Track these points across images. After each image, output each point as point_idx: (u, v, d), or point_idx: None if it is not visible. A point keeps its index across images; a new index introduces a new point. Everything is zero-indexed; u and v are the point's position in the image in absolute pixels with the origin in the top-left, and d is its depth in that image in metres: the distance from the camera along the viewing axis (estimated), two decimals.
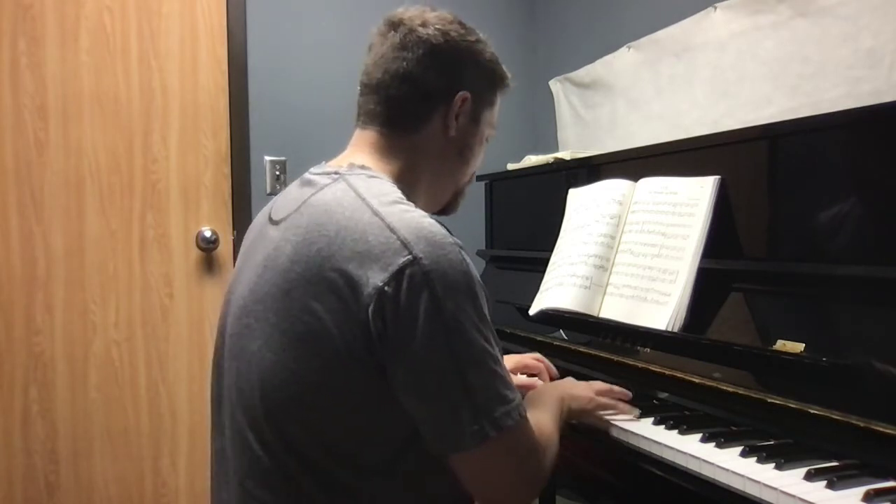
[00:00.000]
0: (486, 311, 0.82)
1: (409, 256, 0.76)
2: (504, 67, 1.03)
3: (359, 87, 0.98)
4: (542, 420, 0.93)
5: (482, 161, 1.06)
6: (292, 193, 0.94)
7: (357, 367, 0.79)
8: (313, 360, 0.79)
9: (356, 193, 0.84)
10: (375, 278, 0.76)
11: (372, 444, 0.84)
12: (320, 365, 0.79)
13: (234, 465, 0.88)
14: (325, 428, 0.82)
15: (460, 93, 0.94)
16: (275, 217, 0.94)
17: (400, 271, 0.76)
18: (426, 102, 0.93)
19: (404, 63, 0.92)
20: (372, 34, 0.97)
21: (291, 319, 0.80)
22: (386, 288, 0.75)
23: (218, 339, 0.98)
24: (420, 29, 0.93)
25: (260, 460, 0.83)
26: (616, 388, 1.14)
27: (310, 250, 0.81)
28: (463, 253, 0.81)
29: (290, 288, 0.81)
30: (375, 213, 0.81)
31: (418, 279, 0.75)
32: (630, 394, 1.14)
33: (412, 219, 0.81)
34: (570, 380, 1.16)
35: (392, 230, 0.78)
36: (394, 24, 0.94)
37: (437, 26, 0.94)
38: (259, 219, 1.00)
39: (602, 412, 1.09)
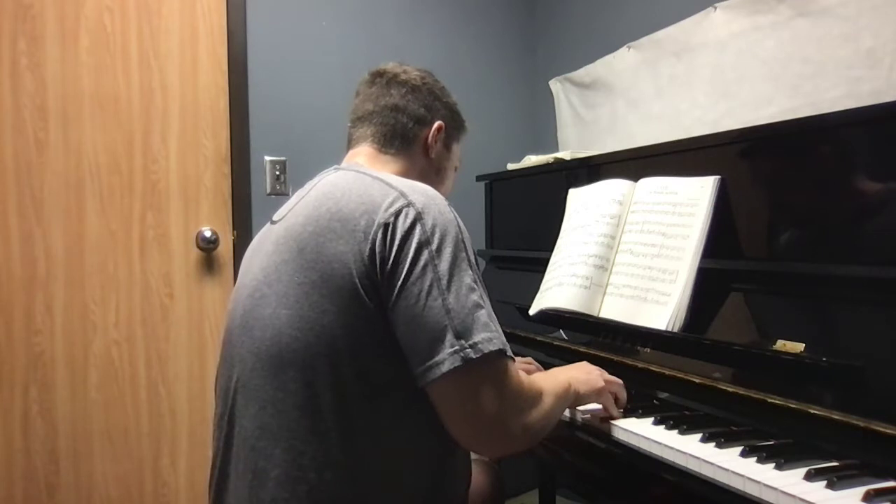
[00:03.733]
0: (473, 259, 0.91)
1: (406, 201, 0.89)
2: (461, 115, 1.23)
3: (349, 123, 1.15)
4: (539, 383, 0.96)
5: (451, 188, 1.22)
6: (292, 198, 1.07)
7: (364, 308, 0.87)
8: (327, 303, 0.87)
9: (357, 171, 1.00)
10: (379, 218, 0.88)
11: (384, 391, 0.89)
12: (334, 308, 0.87)
13: (245, 434, 0.92)
14: (341, 374, 0.87)
15: (437, 122, 1.14)
16: (276, 218, 1.05)
17: (399, 210, 0.88)
18: (411, 127, 1.11)
19: (391, 98, 1.12)
20: (359, 83, 1.17)
21: (306, 271, 0.89)
22: (388, 222, 0.88)
23: (226, 334, 1.03)
24: (402, 75, 1.14)
25: (272, 419, 0.89)
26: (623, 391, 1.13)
27: (319, 212, 0.93)
28: (454, 211, 0.93)
29: (304, 246, 0.91)
30: (376, 178, 0.95)
31: (413, 216, 0.88)
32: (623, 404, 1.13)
33: (407, 181, 0.96)
34: (584, 364, 1.16)
35: (391, 186, 0.92)
36: (379, 74, 1.15)
37: (415, 73, 1.16)
38: (260, 231, 1.11)
39: (596, 404, 1.10)
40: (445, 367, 0.83)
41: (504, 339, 0.88)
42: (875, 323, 0.98)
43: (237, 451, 0.94)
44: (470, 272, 0.88)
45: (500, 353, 0.86)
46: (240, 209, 2.14)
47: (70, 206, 1.93)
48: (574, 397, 1.04)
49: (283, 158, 2.22)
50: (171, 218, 2.05)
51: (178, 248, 2.07)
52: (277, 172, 2.20)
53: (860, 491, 0.78)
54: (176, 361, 2.07)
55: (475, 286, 0.88)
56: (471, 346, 0.83)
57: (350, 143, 1.14)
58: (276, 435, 0.89)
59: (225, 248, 2.13)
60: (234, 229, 2.14)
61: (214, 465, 1.01)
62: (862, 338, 0.98)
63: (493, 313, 0.89)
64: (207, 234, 2.08)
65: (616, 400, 1.11)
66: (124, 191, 1.99)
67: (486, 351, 0.84)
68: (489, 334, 0.85)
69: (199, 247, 2.08)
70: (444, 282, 0.85)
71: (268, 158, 2.20)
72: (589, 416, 1.11)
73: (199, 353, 2.10)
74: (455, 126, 1.19)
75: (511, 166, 2.17)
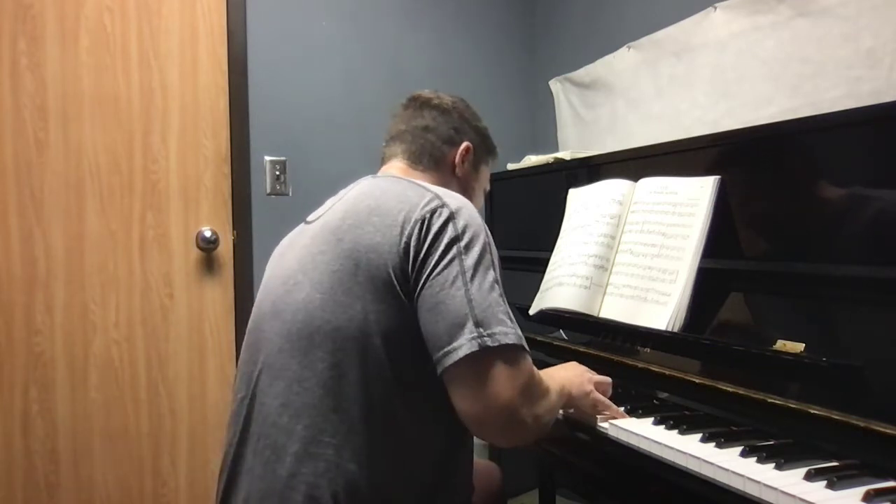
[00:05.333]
0: (497, 263, 0.95)
1: (441, 202, 0.96)
2: (492, 140, 1.28)
3: (384, 143, 1.22)
4: (546, 379, 0.98)
5: (480, 207, 1.22)
6: (327, 202, 1.13)
7: (396, 298, 0.91)
8: (361, 290, 0.92)
9: (394, 177, 1.08)
10: (416, 215, 0.94)
11: (406, 381, 0.92)
12: (367, 295, 0.92)
13: (265, 412, 0.95)
14: (368, 358, 0.91)
15: (465, 143, 1.20)
16: (311, 219, 1.10)
17: (434, 209, 0.95)
18: (440, 146, 1.18)
19: (423, 120, 1.19)
20: (395, 107, 1.24)
21: (342, 259, 0.95)
22: (423, 217, 0.94)
23: (252, 323, 1.07)
24: (434, 100, 1.21)
25: (296, 396, 0.93)
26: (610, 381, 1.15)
27: (358, 207, 0.99)
28: (483, 220, 0.98)
29: (341, 237, 0.97)
30: (412, 182, 1.03)
31: (447, 215, 0.94)
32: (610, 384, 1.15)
33: (443, 188, 1.02)
34: (573, 364, 1.18)
35: (427, 189, 0.99)
36: (414, 99, 1.22)
37: (447, 99, 1.22)
38: (291, 232, 1.15)
39: (595, 408, 1.11)
40: (463, 352, 0.86)
41: (521, 334, 0.91)
42: (875, 323, 0.98)
43: (256, 429, 0.97)
44: (493, 272, 0.93)
45: (517, 346, 0.90)
46: (240, 209, 2.14)
47: (70, 206, 1.93)
48: (567, 398, 1.06)
49: (283, 158, 2.21)
50: (171, 218, 2.05)
51: (178, 248, 2.07)
52: (277, 172, 2.20)
53: (860, 491, 0.78)
54: (176, 361, 2.07)
55: (496, 286, 0.93)
56: (489, 335, 0.87)
57: (382, 161, 1.20)
58: (299, 411, 0.92)
59: (225, 248, 2.13)
60: (234, 229, 2.14)
61: (229, 448, 1.02)
62: (862, 338, 0.98)
63: (511, 313, 0.93)
64: (207, 234, 2.08)
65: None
66: (124, 191, 1.99)
67: (503, 342, 0.88)
68: (506, 328, 0.89)
69: (199, 247, 2.08)
70: (469, 274, 0.90)
71: (268, 158, 2.20)
72: (589, 415, 1.11)
73: (199, 353, 2.10)
74: (484, 149, 1.25)
75: (511, 166, 2.16)
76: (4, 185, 1.85)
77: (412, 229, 0.93)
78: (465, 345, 0.86)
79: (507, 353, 0.89)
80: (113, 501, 1.98)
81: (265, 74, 2.18)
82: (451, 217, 0.94)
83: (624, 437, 1.05)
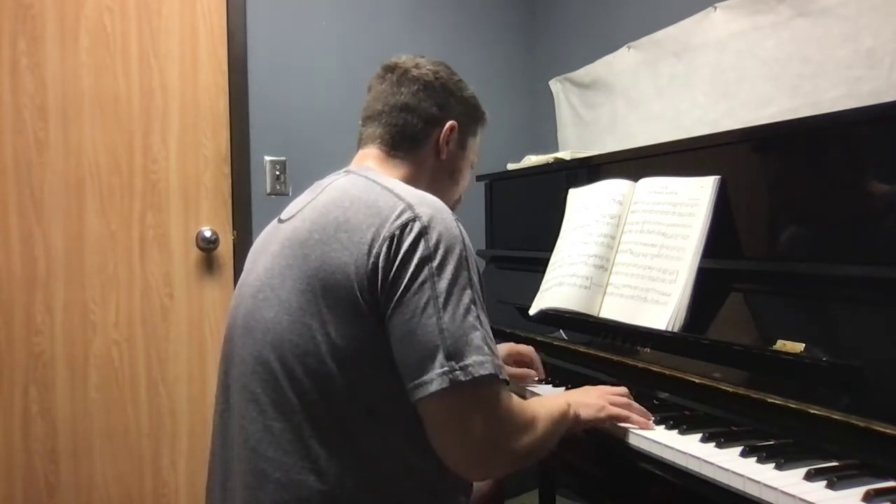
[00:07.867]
0: (476, 278, 0.89)
1: (412, 214, 0.88)
2: (481, 105, 1.17)
3: (360, 121, 1.11)
4: (534, 408, 0.95)
5: (470, 186, 1.19)
6: (301, 197, 1.06)
7: (364, 320, 0.86)
8: (328, 313, 0.87)
9: (367, 178, 0.97)
10: (385, 231, 0.87)
11: (382, 402, 0.88)
12: (334, 318, 0.87)
13: (245, 435, 0.92)
14: (340, 382, 0.87)
15: (449, 121, 1.08)
16: (284, 217, 1.04)
17: (404, 224, 0.87)
18: (422, 128, 1.07)
19: (401, 97, 1.07)
20: (370, 78, 1.12)
21: (309, 278, 0.89)
22: (392, 234, 0.86)
23: (227, 331, 1.03)
24: (414, 70, 1.08)
25: (273, 422, 0.89)
26: (635, 405, 1.09)
27: (326, 219, 0.92)
28: (461, 226, 0.91)
29: (308, 252, 0.90)
30: (385, 188, 0.93)
31: (418, 230, 0.87)
32: (650, 416, 1.08)
33: (417, 191, 0.94)
34: (585, 388, 1.14)
35: (399, 197, 0.90)
36: (390, 68, 1.10)
37: (427, 68, 1.09)
38: (266, 228, 1.10)
39: (615, 422, 1.06)
40: (433, 388, 0.82)
41: (499, 362, 0.87)
42: (875, 323, 0.97)
43: (238, 451, 0.95)
44: (469, 292, 0.87)
45: (492, 377, 0.84)
46: (240, 209, 2.14)
47: (70, 206, 1.93)
48: (573, 420, 1.02)
49: (283, 158, 2.22)
50: (171, 218, 2.05)
51: (178, 248, 2.07)
52: (277, 172, 2.20)
53: (860, 491, 0.78)
54: (176, 361, 2.07)
55: (473, 307, 0.86)
56: (461, 369, 0.82)
57: (360, 143, 1.11)
58: (278, 439, 0.89)
59: (225, 248, 2.13)
60: (234, 229, 2.14)
61: (217, 461, 1.01)
62: (862, 338, 0.98)
63: (490, 335, 0.88)
64: (207, 234, 2.08)
65: (630, 410, 1.08)
66: (124, 191, 1.99)
67: (476, 374, 0.82)
68: (481, 357, 0.84)
69: (199, 247, 2.08)
70: (442, 300, 0.84)
71: (268, 158, 2.20)
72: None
73: (199, 353, 2.10)
74: (472, 121, 1.14)
75: (511, 166, 2.17)
76: (4, 185, 1.85)
77: (380, 248, 0.86)
78: (435, 380, 0.82)
79: (482, 387, 0.84)
80: (113, 501, 1.98)
81: (265, 74, 2.18)
82: (422, 232, 0.86)
83: (624, 437, 1.04)
